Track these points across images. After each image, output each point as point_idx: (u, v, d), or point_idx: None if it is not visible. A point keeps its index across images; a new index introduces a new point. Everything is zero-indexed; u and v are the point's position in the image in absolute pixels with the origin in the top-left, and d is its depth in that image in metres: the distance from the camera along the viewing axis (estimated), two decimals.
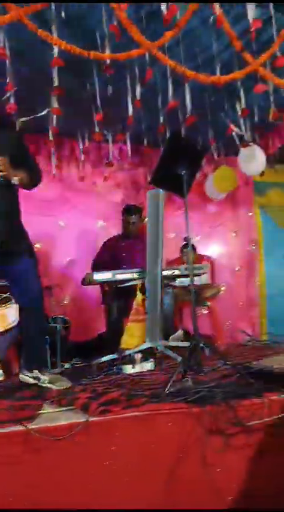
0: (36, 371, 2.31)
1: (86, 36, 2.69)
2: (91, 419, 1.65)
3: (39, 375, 2.30)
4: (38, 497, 1.51)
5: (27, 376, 2.32)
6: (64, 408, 1.84)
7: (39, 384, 2.28)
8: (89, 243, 4.35)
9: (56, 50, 2.46)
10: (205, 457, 1.72)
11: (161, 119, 3.38)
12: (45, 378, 2.29)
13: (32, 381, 2.30)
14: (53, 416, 1.73)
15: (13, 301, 2.69)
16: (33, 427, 1.56)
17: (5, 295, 2.80)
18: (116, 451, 1.63)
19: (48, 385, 2.25)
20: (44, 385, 2.26)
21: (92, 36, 2.65)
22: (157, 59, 2.56)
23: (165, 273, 3.06)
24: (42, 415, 1.75)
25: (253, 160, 3.89)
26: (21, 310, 2.45)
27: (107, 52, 2.52)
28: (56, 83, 2.59)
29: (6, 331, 2.81)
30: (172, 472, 1.68)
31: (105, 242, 3.92)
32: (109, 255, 3.78)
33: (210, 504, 1.71)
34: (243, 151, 3.90)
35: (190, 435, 1.73)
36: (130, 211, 3.81)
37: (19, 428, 1.55)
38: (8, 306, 2.79)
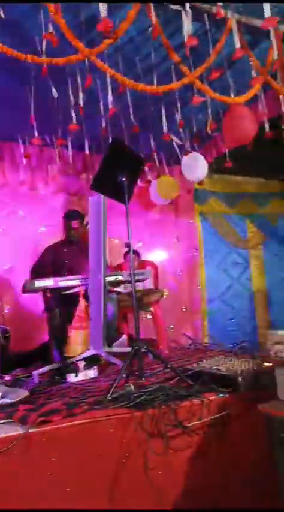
0: None
1: (25, 39, 2.63)
2: (31, 430, 1.61)
3: None
4: None
5: None
6: (2, 421, 1.77)
7: None
8: (29, 249, 4.24)
9: None
10: (147, 460, 1.73)
11: (103, 125, 3.38)
12: None
13: None
14: None
15: None
16: None
17: None
18: (57, 461, 1.60)
19: (2, 401, 2.12)
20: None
21: (32, 40, 2.60)
22: (96, 66, 2.57)
23: (108, 279, 3.06)
24: None
25: (195, 166, 4.05)
26: None
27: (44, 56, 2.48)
28: None
29: None
30: (115, 478, 1.68)
31: (46, 248, 3.84)
32: (51, 261, 3.70)
33: (153, 506, 1.73)
34: (186, 158, 4.04)
35: (132, 440, 1.74)
36: (71, 216, 3.76)
37: None
38: None
